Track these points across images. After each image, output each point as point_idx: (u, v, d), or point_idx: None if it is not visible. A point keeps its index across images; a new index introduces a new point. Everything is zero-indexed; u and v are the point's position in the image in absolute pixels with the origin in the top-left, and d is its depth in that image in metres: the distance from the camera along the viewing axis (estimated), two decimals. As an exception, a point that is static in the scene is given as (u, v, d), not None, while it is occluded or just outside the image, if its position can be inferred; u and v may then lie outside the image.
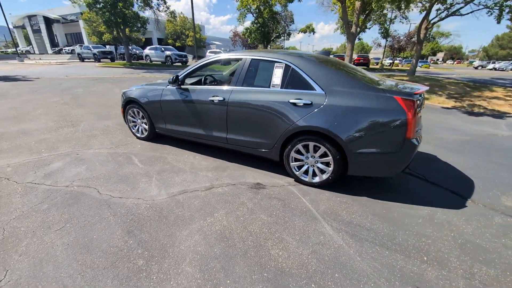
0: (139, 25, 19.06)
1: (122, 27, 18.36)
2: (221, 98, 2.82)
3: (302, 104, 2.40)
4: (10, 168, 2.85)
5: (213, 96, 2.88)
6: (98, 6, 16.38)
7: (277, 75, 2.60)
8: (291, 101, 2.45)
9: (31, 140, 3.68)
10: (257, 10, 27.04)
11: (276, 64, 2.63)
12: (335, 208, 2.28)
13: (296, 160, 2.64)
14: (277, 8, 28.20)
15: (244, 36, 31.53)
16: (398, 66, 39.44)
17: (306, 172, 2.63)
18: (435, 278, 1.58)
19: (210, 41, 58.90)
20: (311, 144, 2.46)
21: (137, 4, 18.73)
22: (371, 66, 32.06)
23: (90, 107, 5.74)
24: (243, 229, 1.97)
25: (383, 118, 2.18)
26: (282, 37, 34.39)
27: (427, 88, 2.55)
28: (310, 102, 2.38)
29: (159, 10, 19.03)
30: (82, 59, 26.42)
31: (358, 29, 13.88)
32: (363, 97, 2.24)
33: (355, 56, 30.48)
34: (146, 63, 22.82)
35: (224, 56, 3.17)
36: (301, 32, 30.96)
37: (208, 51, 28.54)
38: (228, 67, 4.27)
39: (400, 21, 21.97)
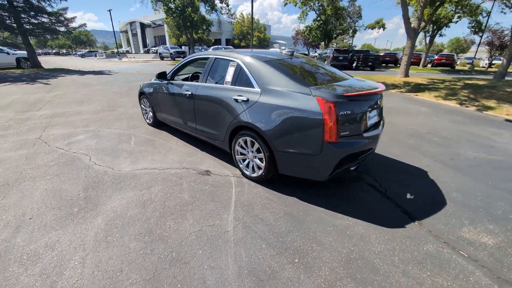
0: (204, 27, 21.30)
1: (190, 30, 20.88)
2: (190, 93, 3.21)
3: (241, 101, 2.56)
4: (53, 136, 3.97)
5: (186, 91, 3.29)
6: (171, 12, 19.10)
7: (230, 73, 2.81)
8: (234, 97, 2.63)
9: (78, 118, 4.91)
10: (320, 8, 26.17)
11: (230, 63, 2.84)
12: (255, 201, 2.37)
13: (241, 154, 2.80)
14: (344, 3, 26.60)
15: (303, 34, 30.98)
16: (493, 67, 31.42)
17: (249, 166, 2.77)
18: (288, 279, 1.58)
19: (274, 40, 60.00)
20: (249, 140, 2.59)
21: (204, 8, 20.97)
22: (458, 68, 26.75)
23: (134, 96, 7.04)
24: (161, 203, 2.33)
25: (303, 119, 2.15)
26: (346, 34, 32.22)
27: (375, 89, 2.33)
28: (246, 99, 2.51)
29: (221, 13, 20.76)
30: (162, 57, 31.13)
31: (423, 23, 11.86)
32: (290, 96, 2.25)
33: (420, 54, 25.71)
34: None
35: (195, 56, 3.53)
36: (369, 28, 28.32)
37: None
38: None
39: (501, 11, 17.56)
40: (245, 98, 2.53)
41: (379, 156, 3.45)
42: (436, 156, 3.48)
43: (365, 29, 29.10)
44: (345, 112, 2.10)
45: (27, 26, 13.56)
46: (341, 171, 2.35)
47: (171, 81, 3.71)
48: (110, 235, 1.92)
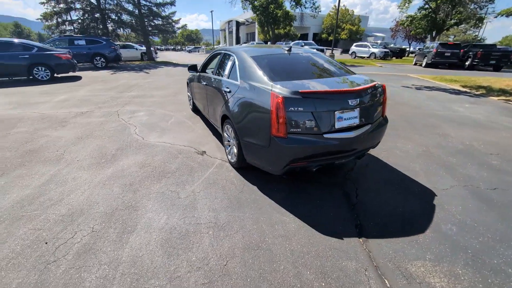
0: (286, 22, 21.66)
1: (272, 26, 21.70)
2: (205, 83, 3.72)
3: (227, 92, 2.85)
4: (125, 111, 5.37)
5: (203, 82, 3.82)
6: (256, 9, 20.36)
7: (228, 67, 3.12)
8: (224, 89, 2.94)
9: (149, 100, 6.35)
10: (429, -7, 21.68)
11: (230, 57, 3.13)
12: (219, 182, 2.67)
13: (227, 140, 3.10)
14: (463, -15, 21.01)
15: (403, 25, 26.49)
16: None
17: (230, 152, 3.04)
18: (193, 242, 1.85)
19: (370, 33, 53.84)
20: (230, 127, 2.86)
21: (289, 3, 21.23)
22: None
23: (198, 86, 8.28)
24: (153, 168, 2.95)
25: (258, 111, 2.25)
26: (467, 23, 25.37)
27: (344, 89, 2.14)
28: (229, 91, 2.78)
29: (305, 7, 20.48)
30: None
31: None
32: (256, 90, 2.37)
33: None
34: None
35: (215, 51, 3.95)
36: (502, 15, 21.35)
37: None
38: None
39: None
40: (229, 90, 2.80)
41: (386, 167, 3.00)
42: (471, 181, 2.71)
43: (496, 17, 22.10)
44: (296, 109, 2.08)
45: (148, 28, 17.73)
46: (298, 168, 2.33)
47: (200, 73, 4.33)
48: (107, 181, 2.67)
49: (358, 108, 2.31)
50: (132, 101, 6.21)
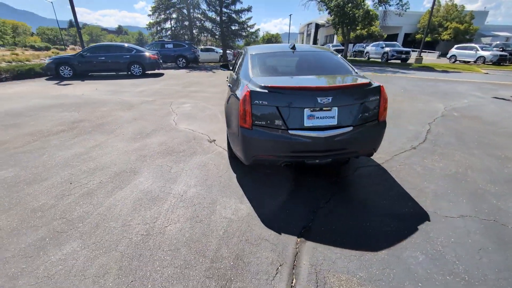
0: (365, 22, 19.91)
1: (347, 27, 20.37)
2: (226, 80, 4.10)
3: (229, 87, 3.13)
4: (176, 102, 6.38)
5: (227, 78, 4.22)
6: (330, 10, 19.56)
7: (238, 64, 3.38)
8: (228, 84, 3.23)
9: (200, 95, 7.28)
10: None
11: (243, 55, 3.38)
12: (209, 166, 2.99)
13: (229, 131, 3.38)
14: None
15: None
16: None
17: (230, 142, 3.30)
18: (166, 209, 2.24)
19: (488, 32, 42.96)
20: (227, 119, 3.14)
21: (372, 1, 19.45)
22: None
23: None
24: (168, 147, 3.54)
25: (234, 103, 2.44)
26: None
27: (314, 86, 2.06)
28: (230, 85, 3.05)
29: (389, 5, 18.31)
30: None
31: None
32: (240, 84, 2.56)
33: None
34: (360, 59, 23.45)
35: (241, 50, 4.22)
36: None
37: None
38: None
39: None
40: (230, 85, 3.08)
41: (388, 181, 2.63)
42: (498, 215, 2.09)
43: None
44: (261, 102, 2.16)
45: (225, 33, 19.82)
46: (266, 161, 2.39)
47: (231, 71, 4.75)
48: (131, 151, 3.40)
49: (336, 108, 2.19)
50: (188, 95, 7.27)
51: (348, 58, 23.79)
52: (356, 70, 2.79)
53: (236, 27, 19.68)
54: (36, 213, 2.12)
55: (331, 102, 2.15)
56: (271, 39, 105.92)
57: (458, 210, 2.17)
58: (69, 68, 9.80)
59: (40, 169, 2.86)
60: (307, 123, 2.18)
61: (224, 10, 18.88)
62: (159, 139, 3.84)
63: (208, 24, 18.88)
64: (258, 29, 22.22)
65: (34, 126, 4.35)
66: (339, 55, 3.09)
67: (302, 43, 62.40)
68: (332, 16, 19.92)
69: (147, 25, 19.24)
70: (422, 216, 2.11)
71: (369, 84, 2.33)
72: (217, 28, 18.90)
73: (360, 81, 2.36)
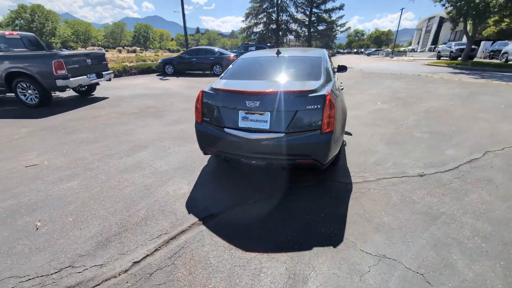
0: (506, 13, 14.75)
1: (476, 20, 15.73)
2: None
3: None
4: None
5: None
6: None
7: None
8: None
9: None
10: None
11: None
12: (197, 152, 3.54)
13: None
14: None
15: None
16: None
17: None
18: (115, 164, 3.01)
19: None
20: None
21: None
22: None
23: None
24: (185, 132, 4.35)
25: (200, 102, 2.85)
26: None
27: (250, 90, 2.20)
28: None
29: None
30: (439, 56, 26.77)
31: None
32: (212, 86, 2.94)
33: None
34: (493, 63, 17.56)
35: None
36: None
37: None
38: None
39: None
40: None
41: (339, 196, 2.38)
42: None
43: None
44: (207, 101, 2.51)
45: (312, 34, 19.58)
46: (214, 154, 2.72)
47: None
48: (163, 133, 4.40)
49: (269, 113, 2.26)
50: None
51: (476, 60, 18.33)
52: (328, 78, 2.62)
53: (324, 27, 19.06)
54: (79, 160, 3.32)
55: (258, 106, 2.25)
56: (380, 36, 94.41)
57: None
58: (171, 67, 12.72)
59: (100, 136, 4.26)
60: (241, 124, 2.36)
61: (314, 10, 18.68)
62: (184, 126, 4.72)
63: (293, 26, 19.28)
64: (349, 28, 20.60)
65: (123, 108, 6.22)
66: (325, 62, 2.91)
67: (419, 41, 52.40)
68: (453, 6, 15.92)
69: (239, 30, 21.78)
70: (324, 242, 1.89)
71: (310, 92, 2.22)
72: (303, 29, 18.98)
73: (300, 88, 2.27)
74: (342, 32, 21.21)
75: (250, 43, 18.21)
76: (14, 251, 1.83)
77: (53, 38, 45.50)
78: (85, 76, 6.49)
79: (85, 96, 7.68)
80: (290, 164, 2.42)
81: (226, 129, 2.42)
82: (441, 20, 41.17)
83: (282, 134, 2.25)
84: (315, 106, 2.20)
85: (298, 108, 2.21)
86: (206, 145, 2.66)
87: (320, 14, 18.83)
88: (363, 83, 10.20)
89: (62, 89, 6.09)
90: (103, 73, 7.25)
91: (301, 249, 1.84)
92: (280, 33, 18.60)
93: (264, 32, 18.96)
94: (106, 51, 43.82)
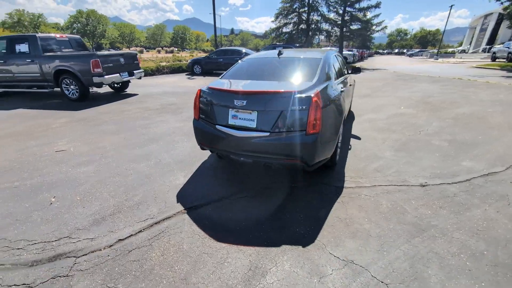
0: None
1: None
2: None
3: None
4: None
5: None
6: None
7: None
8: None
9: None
10: None
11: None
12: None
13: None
14: None
15: None
16: None
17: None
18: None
19: None
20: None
21: None
22: None
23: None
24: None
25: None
26: None
27: (236, 89, 2.30)
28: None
29: None
30: (494, 58, 23.88)
31: None
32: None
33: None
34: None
35: None
36: None
37: None
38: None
39: None
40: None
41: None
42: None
43: None
44: (203, 99, 2.66)
45: (345, 33, 18.84)
46: (209, 150, 2.85)
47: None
48: (173, 128, 4.72)
49: (256, 112, 2.33)
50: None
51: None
52: (323, 79, 2.59)
53: (358, 26, 18.18)
54: (98, 149, 3.74)
55: (245, 105, 2.33)
56: (426, 36, 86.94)
57: (357, 256, 1.75)
58: (199, 67, 13.33)
59: (122, 129, 4.70)
60: (231, 121, 2.46)
61: (348, 9, 17.94)
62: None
63: (324, 26, 18.73)
64: (386, 27, 19.27)
65: (148, 104, 6.75)
66: (325, 63, 2.88)
67: (471, 41, 47.09)
68: (508, 1, 14.05)
69: (267, 30, 21.81)
70: (295, 241, 1.90)
71: (295, 92, 2.23)
72: (335, 29, 18.33)
73: (286, 89, 2.29)
74: (378, 31, 19.93)
75: (277, 43, 18.20)
76: (29, 220, 2.18)
77: (103, 39, 50.69)
78: (118, 74, 7.19)
79: (119, 92, 8.48)
80: (276, 163, 2.46)
81: (217, 126, 2.54)
82: (500, 17, 36.46)
83: (268, 133, 2.30)
84: (300, 107, 2.21)
85: (283, 109, 2.25)
86: (201, 141, 2.82)
87: (354, 13, 18.02)
88: (392, 85, 9.59)
89: (99, 85, 6.82)
90: (135, 71, 7.93)
91: (270, 245, 1.88)
92: (310, 33, 18.22)
93: (294, 32, 18.76)
94: (147, 51, 47.42)
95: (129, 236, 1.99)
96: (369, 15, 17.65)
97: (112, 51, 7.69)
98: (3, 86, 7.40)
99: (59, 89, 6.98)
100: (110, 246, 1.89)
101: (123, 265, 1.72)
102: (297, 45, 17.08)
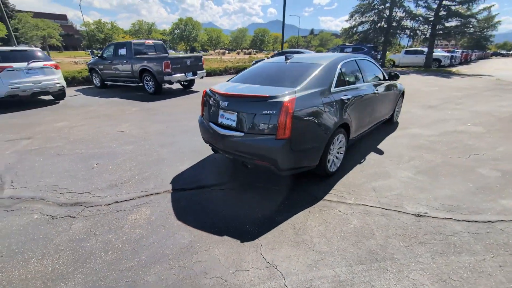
0: None
1: None
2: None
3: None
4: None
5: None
6: None
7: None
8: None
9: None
10: None
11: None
12: (216, 141, 4.18)
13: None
14: None
15: None
16: None
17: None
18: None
19: None
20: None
21: None
22: None
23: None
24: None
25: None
26: None
27: (224, 92, 2.60)
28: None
29: None
30: None
31: None
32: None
33: None
34: None
35: None
36: None
37: None
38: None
39: None
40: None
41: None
42: None
43: None
44: (206, 99, 3.03)
45: (437, 32, 15.77)
46: (208, 144, 3.22)
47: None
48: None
49: (236, 113, 2.54)
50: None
51: None
52: (312, 86, 2.56)
53: (458, 22, 14.79)
54: (145, 133, 4.69)
55: (227, 106, 2.57)
56: None
57: (284, 263, 1.76)
58: (261, 68, 14.01)
59: (170, 119, 5.64)
60: (220, 120, 2.76)
61: (445, 2, 14.88)
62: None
63: (409, 23, 16.08)
64: (498, 22, 14.86)
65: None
66: (324, 70, 2.81)
67: None
68: None
69: (340, 30, 20.29)
70: (236, 236, 2.01)
71: (269, 98, 2.31)
72: (425, 26, 15.52)
73: (260, 93, 2.39)
74: (485, 28, 15.66)
75: (346, 44, 16.92)
76: (76, 176, 3.08)
77: (195, 42, 59.00)
78: (184, 74, 8.49)
79: (186, 89, 9.95)
80: (251, 163, 2.59)
81: (210, 123, 2.88)
82: None
83: (243, 134, 2.47)
84: (271, 112, 2.29)
85: (256, 112, 2.37)
86: (202, 135, 3.22)
87: (453, 6, 14.81)
88: (476, 97, 7.67)
89: (168, 82, 8.26)
90: (198, 72, 9.16)
91: (215, 233, 2.09)
92: (391, 30, 16.00)
93: (370, 31, 16.91)
94: (228, 53, 52.29)
95: (123, 201, 2.58)
96: (474, 8, 14.09)
97: (181, 54, 9.10)
98: (110, 80, 9.89)
99: (141, 84, 8.84)
100: (108, 204, 2.51)
101: (107, 219, 2.28)
102: (372, 45, 15.50)
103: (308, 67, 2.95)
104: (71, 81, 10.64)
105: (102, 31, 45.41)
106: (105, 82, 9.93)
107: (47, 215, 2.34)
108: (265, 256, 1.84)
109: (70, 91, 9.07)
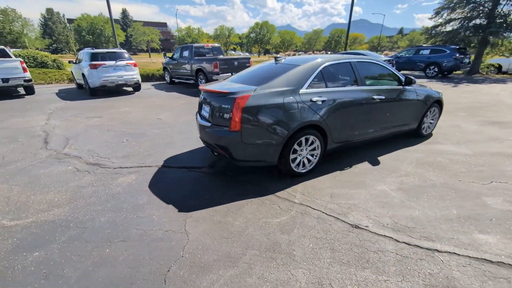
0: None
1: None
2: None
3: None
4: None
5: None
6: None
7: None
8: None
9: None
10: None
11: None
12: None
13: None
14: None
15: None
16: None
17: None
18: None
19: None
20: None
21: None
22: None
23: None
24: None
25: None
26: None
27: (205, 88, 3.01)
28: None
29: None
30: None
31: None
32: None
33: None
34: None
35: None
36: None
37: None
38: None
39: None
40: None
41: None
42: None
43: None
44: (200, 95, 3.52)
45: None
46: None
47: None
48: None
49: (209, 106, 2.94)
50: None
51: None
52: (274, 85, 2.72)
53: None
54: (174, 121, 5.61)
55: (204, 99, 2.98)
56: None
57: (196, 234, 2.05)
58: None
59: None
60: (202, 112, 3.21)
61: None
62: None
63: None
64: None
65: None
66: (298, 73, 2.89)
67: None
68: None
69: (422, 29, 16.97)
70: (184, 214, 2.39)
71: (229, 93, 2.60)
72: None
73: (221, 89, 2.70)
74: None
75: (424, 45, 14.33)
76: (108, 146, 4.11)
77: (268, 45, 61.41)
78: (230, 74, 9.34)
79: (234, 88, 10.83)
80: (215, 151, 2.93)
81: (197, 114, 3.36)
82: None
83: (209, 124, 2.85)
84: (226, 106, 2.59)
85: (219, 105, 2.70)
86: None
87: None
88: None
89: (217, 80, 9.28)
90: (244, 72, 9.88)
91: (163, 200, 2.55)
92: (491, 29, 12.54)
93: (461, 30, 13.74)
94: (299, 54, 52.27)
95: (125, 167, 3.35)
96: None
97: (229, 57, 9.98)
98: (176, 78, 11.76)
99: (196, 82, 10.20)
100: (114, 168, 3.33)
101: (106, 177, 3.07)
102: (454, 46, 12.83)
103: (287, 68, 3.05)
104: (151, 77, 13.19)
105: (190, 35, 53.06)
106: (173, 79, 11.85)
107: (75, 168, 3.33)
108: (186, 226, 2.18)
109: (147, 85, 11.30)
